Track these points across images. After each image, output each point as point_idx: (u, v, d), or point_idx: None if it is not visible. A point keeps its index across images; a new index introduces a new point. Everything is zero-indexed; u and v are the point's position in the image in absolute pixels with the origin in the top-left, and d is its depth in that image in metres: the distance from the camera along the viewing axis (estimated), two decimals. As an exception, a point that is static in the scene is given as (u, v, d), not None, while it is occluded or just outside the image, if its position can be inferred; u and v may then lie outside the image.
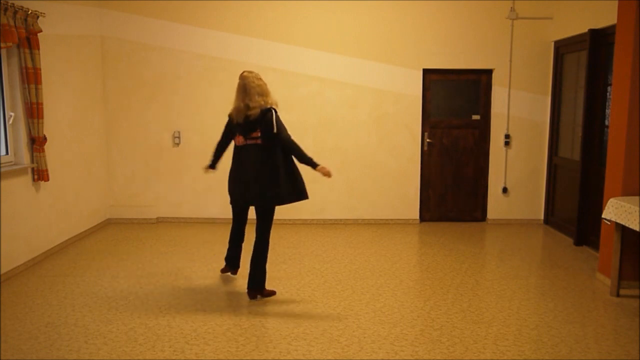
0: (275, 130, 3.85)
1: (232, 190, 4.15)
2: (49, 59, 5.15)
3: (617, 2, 4.35)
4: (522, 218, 6.68)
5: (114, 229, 6.28)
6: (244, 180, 3.99)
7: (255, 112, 3.86)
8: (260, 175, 3.90)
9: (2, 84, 4.70)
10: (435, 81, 6.55)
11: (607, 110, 5.26)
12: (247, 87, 3.90)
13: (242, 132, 3.95)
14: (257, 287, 4.09)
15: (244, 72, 4.02)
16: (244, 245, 4.53)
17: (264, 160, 3.90)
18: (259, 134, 3.88)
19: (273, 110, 3.90)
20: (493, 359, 3.15)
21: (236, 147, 4.07)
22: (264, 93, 3.93)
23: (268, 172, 3.90)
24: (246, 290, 4.13)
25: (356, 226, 6.52)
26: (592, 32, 5.34)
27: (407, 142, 6.53)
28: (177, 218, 6.62)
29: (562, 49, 6.17)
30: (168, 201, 6.58)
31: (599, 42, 5.34)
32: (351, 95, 6.46)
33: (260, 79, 3.99)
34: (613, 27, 4.84)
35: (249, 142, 3.94)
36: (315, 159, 4.06)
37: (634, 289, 4.27)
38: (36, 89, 4.79)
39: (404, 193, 6.61)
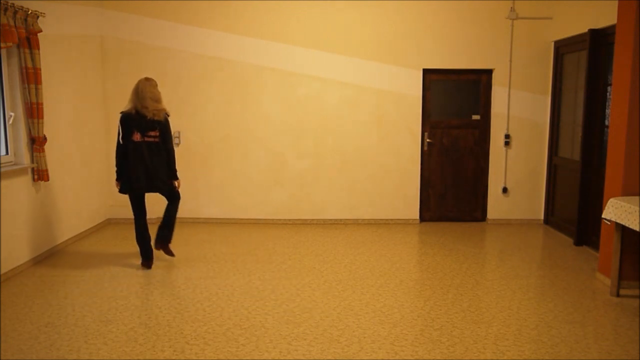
0: (170, 136, 4.73)
1: (134, 180, 4.62)
2: (49, 59, 5.15)
3: (617, 2, 4.35)
4: (522, 218, 6.68)
5: (114, 229, 6.28)
6: (146, 171, 4.62)
7: (160, 115, 4.62)
8: (162, 166, 4.69)
9: (2, 84, 4.70)
10: (435, 81, 6.55)
11: (607, 110, 5.26)
12: (150, 92, 4.59)
13: (141, 130, 4.58)
14: (166, 242, 4.91)
15: (145, 78, 4.68)
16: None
17: (161, 155, 4.68)
18: (158, 134, 4.62)
19: (168, 117, 4.75)
20: (493, 359, 3.15)
21: (132, 143, 4.59)
22: (161, 99, 4.71)
23: (164, 164, 4.71)
24: (155, 245, 4.88)
25: (356, 226, 6.52)
26: (592, 32, 5.34)
27: (407, 142, 6.53)
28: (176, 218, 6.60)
29: (562, 49, 6.17)
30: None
31: (599, 42, 5.34)
32: (351, 95, 6.46)
33: (157, 86, 4.74)
34: (613, 27, 4.84)
35: (147, 139, 4.60)
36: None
37: (634, 289, 4.27)
38: (36, 89, 4.79)
39: (404, 193, 6.61)
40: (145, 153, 4.59)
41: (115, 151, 4.67)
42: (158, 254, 5.03)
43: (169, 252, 4.98)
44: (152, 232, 4.93)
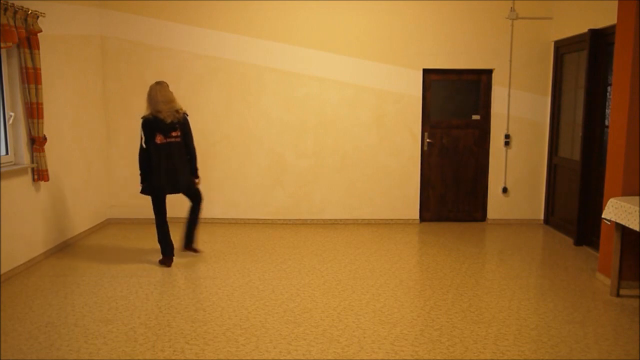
0: (191, 134, 4.86)
1: (161, 182, 4.70)
2: (49, 59, 5.15)
3: (617, 2, 4.35)
4: (522, 218, 6.68)
5: (114, 229, 6.28)
6: (172, 171, 4.72)
7: (178, 115, 4.72)
8: (184, 165, 4.81)
9: (2, 84, 4.70)
10: (435, 81, 6.55)
11: (607, 110, 5.26)
12: (162, 95, 4.65)
13: (163, 132, 4.66)
14: (193, 242, 5.12)
15: (155, 82, 4.74)
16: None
17: (183, 154, 4.79)
18: (179, 133, 4.72)
19: (187, 116, 4.86)
20: (493, 359, 3.15)
21: (156, 145, 4.66)
22: (174, 99, 4.76)
23: (186, 163, 4.84)
24: (184, 247, 5.11)
25: (356, 226, 6.52)
26: (592, 32, 5.34)
27: (407, 142, 6.53)
28: (177, 218, 6.59)
29: (562, 49, 6.17)
30: (168, 201, 6.56)
31: (599, 42, 5.34)
32: (351, 95, 6.46)
33: (168, 87, 4.79)
34: (613, 27, 4.84)
35: (169, 139, 4.68)
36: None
37: (634, 289, 4.27)
38: (36, 89, 4.79)
39: (404, 193, 6.61)
40: (169, 154, 4.68)
41: (139, 156, 4.70)
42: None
43: (196, 250, 5.18)
44: (174, 230, 4.98)
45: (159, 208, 4.88)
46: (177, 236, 6.00)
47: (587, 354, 3.22)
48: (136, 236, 5.95)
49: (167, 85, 4.77)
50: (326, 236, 6.01)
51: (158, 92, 4.66)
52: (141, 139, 4.66)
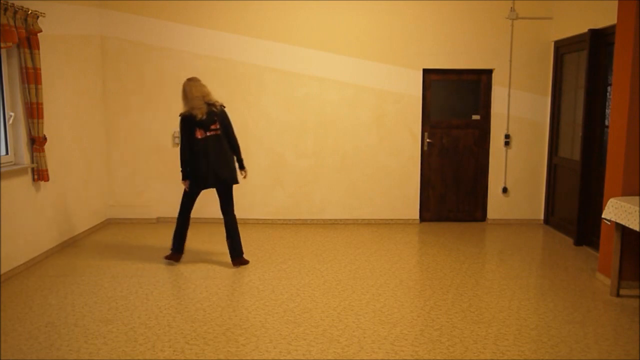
0: (231, 125, 4.79)
1: (203, 176, 4.67)
2: (49, 59, 5.15)
3: (617, 2, 4.35)
4: (522, 218, 6.68)
5: (114, 229, 6.28)
6: (214, 165, 4.66)
7: (217, 108, 4.68)
8: (226, 157, 4.73)
9: (2, 84, 4.70)
10: (435, 81, 6.55)
11: (607, 110, 5.26)
12: (197, 91, 4.61)
13: (203, 127, 4.62)
14: (241, 254, 4.92)
15: (187, 79, 4.69)
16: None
17: (224, 146, 4.73)
18: (218, 126, 4.68)
19: (224, 108, 4.77)
20: (493, 359, 3.15)
21: (197, 141, 4.63)
22: (209, 93, 4.71)
23: (228, 153, 4.76)
24: (232, 262, 4.89)
25: (356, 226, 6.52)
26: (592, 32, 5.34)
27: (407, 142, 6.53)
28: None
29: (562, 49, 6.18)
30: (168, 201, 6.58)
31: (599, 42, 5.34)
32: (351, 95, 6.46)
33: (199, 80, 4.74)
34: (613, 27, 4.84)
35: (210, 133, 4.65)
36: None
37: (634, 289, 4.27)
38: (36, 89, 4.79)
39: (404, 193, 6.61)
40: (210, 147, 4.63)
41: (180, 153, 4.66)
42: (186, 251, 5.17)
43: (245, 262, 4.96)
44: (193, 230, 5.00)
45: (190, 203, 4.87)
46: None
47: (587, 354, 3.22)
48: (136, 236, 5.95)
49: (199, 80, 4.71)
50: (326, 236, 6.01)
51: (193, 88, 4.61)
52: (181, 137, 4.63)
